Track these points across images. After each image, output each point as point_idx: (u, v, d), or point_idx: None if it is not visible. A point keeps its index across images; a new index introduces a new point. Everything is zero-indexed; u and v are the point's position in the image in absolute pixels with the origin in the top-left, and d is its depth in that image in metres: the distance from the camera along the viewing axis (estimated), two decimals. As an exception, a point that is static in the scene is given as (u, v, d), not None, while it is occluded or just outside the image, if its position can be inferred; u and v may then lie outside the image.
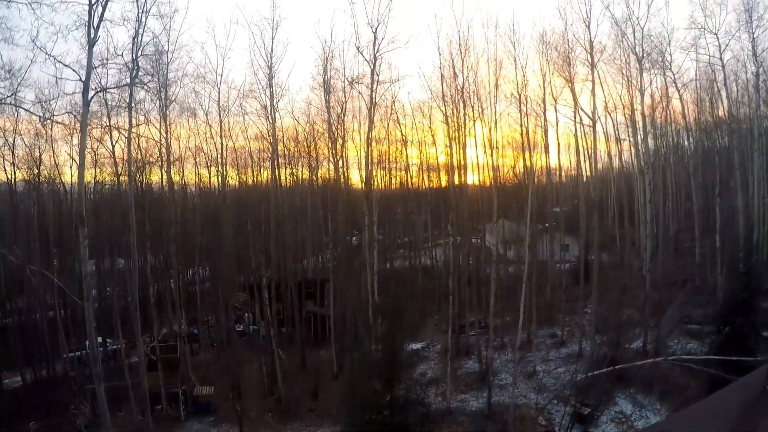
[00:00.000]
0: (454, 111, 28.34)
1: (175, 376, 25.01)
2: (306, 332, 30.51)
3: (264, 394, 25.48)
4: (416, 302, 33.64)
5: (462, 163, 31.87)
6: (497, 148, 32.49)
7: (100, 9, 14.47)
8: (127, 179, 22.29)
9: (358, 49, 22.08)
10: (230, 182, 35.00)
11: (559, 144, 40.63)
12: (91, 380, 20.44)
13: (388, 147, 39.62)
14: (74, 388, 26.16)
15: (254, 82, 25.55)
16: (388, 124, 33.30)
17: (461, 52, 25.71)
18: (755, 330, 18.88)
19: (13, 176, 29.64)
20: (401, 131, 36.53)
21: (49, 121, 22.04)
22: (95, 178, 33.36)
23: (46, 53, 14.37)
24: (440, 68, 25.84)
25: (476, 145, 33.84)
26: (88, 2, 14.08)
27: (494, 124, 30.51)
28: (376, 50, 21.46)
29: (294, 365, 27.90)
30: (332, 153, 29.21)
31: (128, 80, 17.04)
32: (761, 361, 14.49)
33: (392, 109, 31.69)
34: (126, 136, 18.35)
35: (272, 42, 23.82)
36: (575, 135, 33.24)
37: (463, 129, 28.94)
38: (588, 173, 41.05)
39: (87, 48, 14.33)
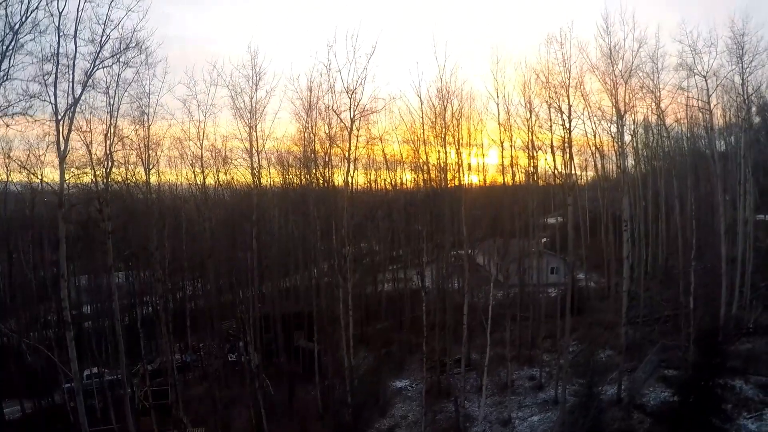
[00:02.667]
0: (439, 154, 28.69)
1: (168, 418, 26.09)
2: (295, 365, 31.44)
3: (253, 434, 26.52)
4: (402, 333, 34.44)
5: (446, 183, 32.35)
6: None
7: (68, 120, 14.72)
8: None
9: (335, 111, 22.21)
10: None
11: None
12: (89, 412, 21.83)
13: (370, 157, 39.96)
14: (72, 420, 27.57)
15: (236, 130, 25.72)
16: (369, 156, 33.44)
17: (443, 101, 25.78)
18: (718, 402, 19.46)
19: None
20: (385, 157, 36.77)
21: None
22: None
23: (22, 166, 14.75)
24: (422, 116, 25.93)
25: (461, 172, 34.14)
26: (55, 119, 14.34)
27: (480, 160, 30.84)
28: (353, 114, 21.57)
29: (283, 400, 28.87)
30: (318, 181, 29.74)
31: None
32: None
33: (379, 140, 31.79)
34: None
35: (252, 99, 23.89)
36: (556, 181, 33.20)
37: (445, 169, 29.40)
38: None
39: (59, 161, 14.63)
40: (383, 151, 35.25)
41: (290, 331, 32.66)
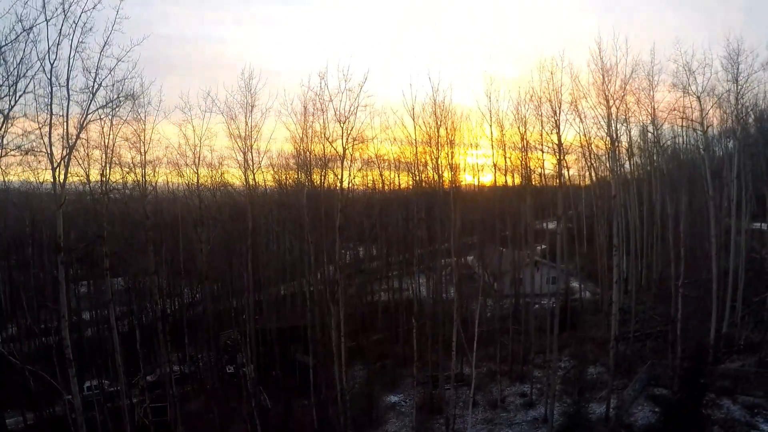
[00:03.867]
0: (434, 165, 28.96)
1: (168, 434, 26.68)
2: (291, 379, 31.85)
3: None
4: (398, 345, 34.79)
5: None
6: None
7: (63, 170, 14.95)
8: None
9: (327, 139, 22.39)
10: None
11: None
12: (90, 424, 22.26)
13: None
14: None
15: (232, 152, 25.99)
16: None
17: (437, 121, 25.96)
18: (702, 428, 19.95)
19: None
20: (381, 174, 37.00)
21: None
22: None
23: (19, 211, 14.96)
24: (415, 140, 26.13)
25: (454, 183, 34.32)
26: (51, 166, 14.57)
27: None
28: (344, 142, 21.77)
29: (280, 415, 29.32)
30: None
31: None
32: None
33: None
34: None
35: (248, 124, 24.08)
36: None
37: (440, 182, 29.68)
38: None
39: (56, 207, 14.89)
40: (379, 166, 35.33)
41: (287, 344, 33.10)
